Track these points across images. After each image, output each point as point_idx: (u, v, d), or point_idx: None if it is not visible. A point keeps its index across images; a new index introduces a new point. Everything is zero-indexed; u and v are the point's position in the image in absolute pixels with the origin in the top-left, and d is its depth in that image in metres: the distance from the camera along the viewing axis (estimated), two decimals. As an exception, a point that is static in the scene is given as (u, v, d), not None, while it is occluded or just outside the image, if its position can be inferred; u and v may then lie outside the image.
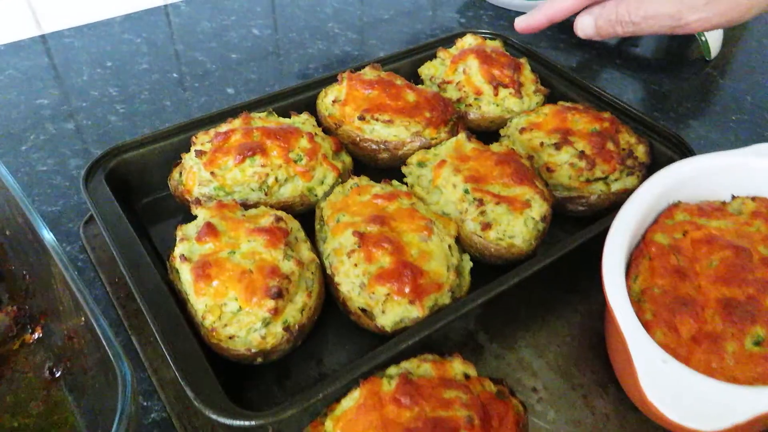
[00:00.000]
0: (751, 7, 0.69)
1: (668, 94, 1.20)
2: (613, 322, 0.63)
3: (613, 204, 0.86)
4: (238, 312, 0.66)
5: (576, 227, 0.87)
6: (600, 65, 1.29)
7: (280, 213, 0.76)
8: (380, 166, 0.94)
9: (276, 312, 0.65)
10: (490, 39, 1.10)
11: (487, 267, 0.79)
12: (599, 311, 0.78)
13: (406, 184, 0.87)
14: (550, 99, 1.04)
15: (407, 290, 0.68)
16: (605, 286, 0.65)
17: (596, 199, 0.86)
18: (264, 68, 1.24)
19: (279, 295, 0.65)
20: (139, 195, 0.89)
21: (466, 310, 0.68)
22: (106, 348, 0.53)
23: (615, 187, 0.86)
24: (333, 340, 0.74)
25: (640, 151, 0.90)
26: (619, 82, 1.24)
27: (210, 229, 0.71)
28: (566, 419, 0.68)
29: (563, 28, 1.35)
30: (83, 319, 0.57)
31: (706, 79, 1.26)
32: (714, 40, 1.28)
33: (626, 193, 0.86)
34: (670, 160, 0.91)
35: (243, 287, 0.66)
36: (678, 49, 1.36)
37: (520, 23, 0.89)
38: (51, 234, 0.63)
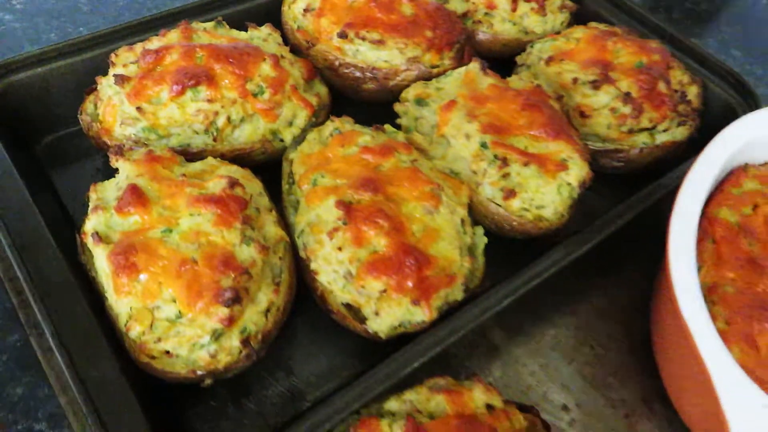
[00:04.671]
0: None
1: (705, 14, 1.00)
2: (683, 337, 0.47)
3: (656, 160, 0.69)
4: (176, 320, 0.47)
5: (608, 188, 0.71)
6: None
7: (234, 171, 0.56)
8: (363, 99, 0.73)
9: (231, 321, 0.47)
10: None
11: (499, 238, 0.61)
12: (641, 301, 0.63)
13: (400, 127, 0.67)
14: (576, 17, 0.83)
15: (410, 285, 0.51)
16: (677, 294, 0.49)
17: (637, 154, 0.68)
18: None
19: (235, 300, 0.46)
20: (40, 131, 0.66)
21: (487, 317, 0.51)
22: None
23: (661, 139, 0.69)
24: (306, 343, 0.56)
25: (693, 93, 0.72)
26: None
27: (136, 196, 0.51)
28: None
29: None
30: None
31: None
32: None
33: (673, 148, 0.69)
34: (726, 107, 0.73)
35: (184, 285, 0.47)
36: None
37: None
38: None
